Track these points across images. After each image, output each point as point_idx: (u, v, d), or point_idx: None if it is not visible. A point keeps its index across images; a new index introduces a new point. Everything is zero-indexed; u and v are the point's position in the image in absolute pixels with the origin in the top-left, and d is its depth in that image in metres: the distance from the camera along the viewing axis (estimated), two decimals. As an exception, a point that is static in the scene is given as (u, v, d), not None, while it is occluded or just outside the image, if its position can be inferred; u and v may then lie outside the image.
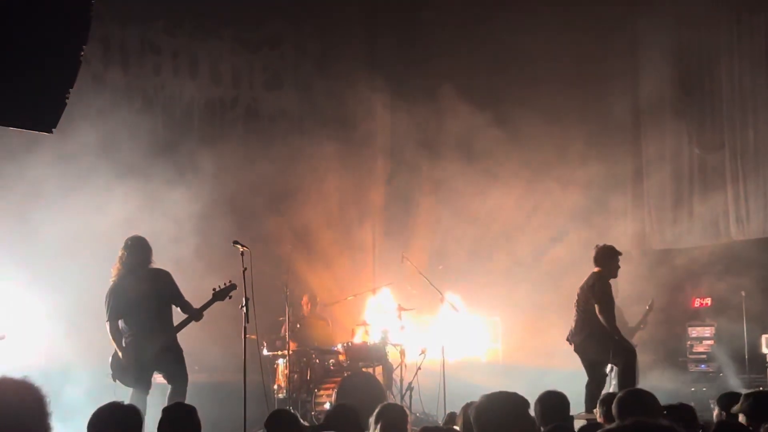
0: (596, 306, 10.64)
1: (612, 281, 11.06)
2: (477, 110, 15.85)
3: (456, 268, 15.69)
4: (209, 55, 15.87)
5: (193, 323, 9.66)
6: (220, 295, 9.60)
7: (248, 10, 15.91)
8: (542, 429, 5.89)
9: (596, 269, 10.86)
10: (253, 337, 10.18)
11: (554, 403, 6.23)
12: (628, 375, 10.54)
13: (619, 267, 10.95)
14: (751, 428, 5.56)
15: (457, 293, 14.88)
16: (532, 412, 5.27)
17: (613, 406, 5.82)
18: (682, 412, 6.44)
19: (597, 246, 11.06)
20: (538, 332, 14.55)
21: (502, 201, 15.78)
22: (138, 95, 15.12)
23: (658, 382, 12.67)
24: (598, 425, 6.15)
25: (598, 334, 10.69)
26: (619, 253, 11.03)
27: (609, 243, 11.23)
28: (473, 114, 15.86)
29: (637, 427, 2.85)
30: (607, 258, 10.91)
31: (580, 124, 16.37)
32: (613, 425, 2.99)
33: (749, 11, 15.25)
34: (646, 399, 5.86)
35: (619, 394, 5.98)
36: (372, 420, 5.79)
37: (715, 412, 6.72)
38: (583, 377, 11.26)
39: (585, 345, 10.82)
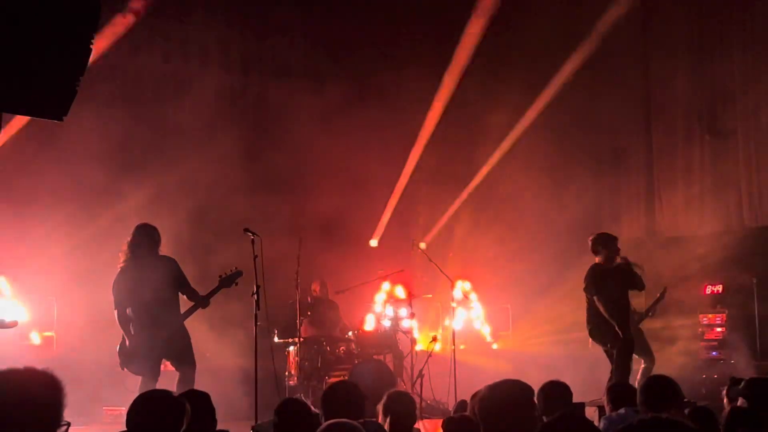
0: (594, 297, 10.73)
1: None
2: (489, 97, 15.83)
3: (467, 255, 15.68)
4: (219, 42, 15.85)
5: (200, 310, 9.68)
6: (226, 281, 9.60)
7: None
8: (544, 418, 5.88)
9: (595, 259, 10.93)
10: (264, 324, 10.19)
11: (556, 392, 6.23)
12: (622, 364, 10.60)
13: (618, 250, 10.97)
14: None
15: (467, 280, 14.90)
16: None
17: (639, 392, 5.81)
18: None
19: (590, 236, 11.11)
20: (549, 319, 14.54)
21: (513, 187, 15.76)
22: (148, 83, 15.12)
23: (669, 369, 12.64)
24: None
25: (601, 323, 10.77)
26: (614, 238, 11.06)
27: (610, 230, 11.29)
28: (487, 100, 15.86)
29: (653, 423, 2.85)
30: (602, 245, 10.94)
31: (590, 110, 16.35)
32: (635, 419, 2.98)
33: (763, -3, 15.19)
34: (674, 387, 5.89)
35: (645, 381, 5.97)
36: (380, 409, 5.77)
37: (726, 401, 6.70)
38: (595, 364, 11.30)
39: (593, 334, 10.94)
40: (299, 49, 16.49)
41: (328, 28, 16.35)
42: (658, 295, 13.04)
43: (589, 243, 11.05)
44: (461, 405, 8.05)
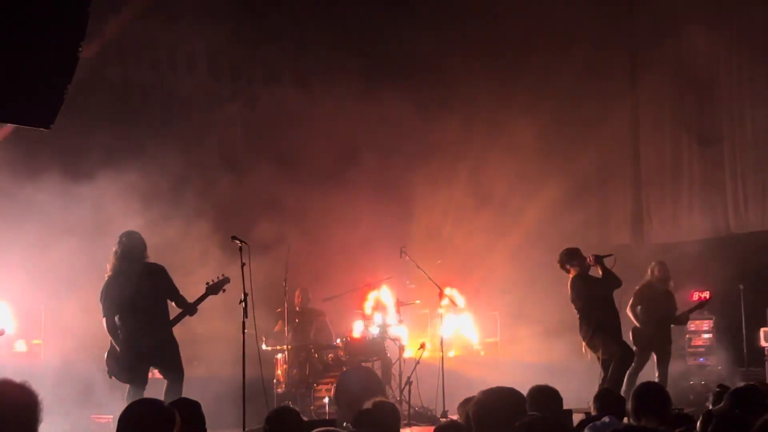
0: (583, 311, 10.83)
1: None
2: (476, 108, 15.90)
3: (455, 263, 15.69)
4: (208, 49, 15.84)
5: (188, 317, 9.66)
6: (213, 288, 9.58)
7: (247, 4, 15.88)
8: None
9: (571, 274, 11.00)
10: (252, 332, 10.19)
11: (544, 397, 6.19)
12: (618, 373, 10.67)
13: (585, 258, 11.05)
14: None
15: (456, 288, 14.90)
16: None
17: (631, 399, 5.82)
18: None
19: (558, 257, 11.19)
20: (536, 326, 14.57)
21: (498, 194, 15.80)
22: (136, 90, 15.10)
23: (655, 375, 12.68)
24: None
25: (600, 333, 10.84)
26: (577, 249, 11.14)
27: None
28: (471, 112, 15.92)
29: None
30: (570, 259, 11.03)
31: (577, 117, 16.40)
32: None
33: (748, 4, 15.27)
34: (665, 395, 5.93)
35: (637, 389, 5.97)
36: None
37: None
38: (583, 371, 11.34)
39: (593, 344, 10.98)
40: (289, 56, 16.50)
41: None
42: (696, 303, 12.96)
43: (558, 264, 11.15)
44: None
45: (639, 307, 12.42)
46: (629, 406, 5.91)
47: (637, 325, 12.31)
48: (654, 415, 5.64)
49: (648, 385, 6.24)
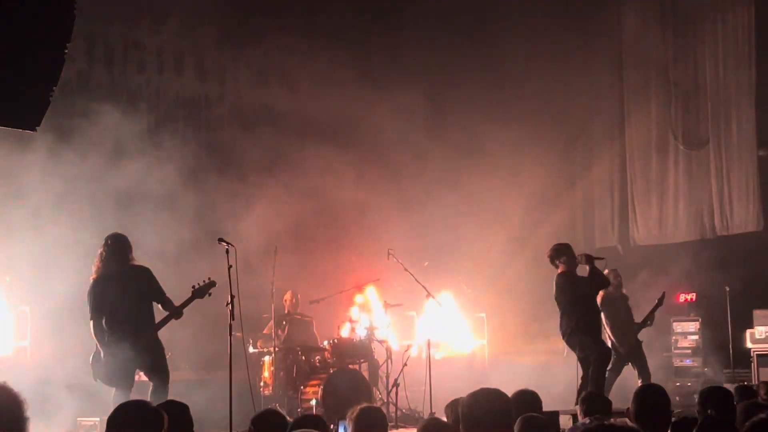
0: (565, 308, 10.85)
1: None
2: (466, 110, 15.92)
3: (442, 265, 15.69)
4: (194, 51, 15.82)
5: (174, 319, 9.63)
6: (199, 292, 9.53)
7: (233, 6, 15.86)
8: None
9: (558, 270, 11.02)
10: (239, 334, 10.14)
11: (526, 401, 6.21)
12: (598, 375, 10.69)
13: (575, 256, 11.08)
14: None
15: (443, 290, 14.91)
16: None
17: (633, 402, 5.82)
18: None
19: (548, 251, 11.21)
20: (523, 328, 14.58)
21: (487, 197, 15.81)
22: (123, 92, 15.07)
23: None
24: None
25: (578, 331, 10.85)
26: (567, 245, 11.17)
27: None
28: (459, 115, 15.94)
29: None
30: (559, 254, 11.05)
31: (565, 119, 16.45)
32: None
33: (733, 8, 15.33)
34: (666, 396, 5.93)
35: (638, 391, 5.97)
36: (350, 427, 5.67)
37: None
38: (570, 372, 11.36)
39: (571, 342, 11.00)
40: (274, 58, 16.48)
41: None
42: (656, 302, 13.01)
43: (548, 258, 11.17)
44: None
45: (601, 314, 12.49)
46: (630, 408, 5.91)
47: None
48: (655, 418, 5.64)
49: (649, 388, 6.25)
